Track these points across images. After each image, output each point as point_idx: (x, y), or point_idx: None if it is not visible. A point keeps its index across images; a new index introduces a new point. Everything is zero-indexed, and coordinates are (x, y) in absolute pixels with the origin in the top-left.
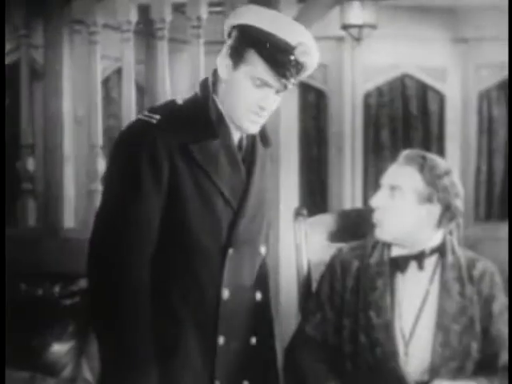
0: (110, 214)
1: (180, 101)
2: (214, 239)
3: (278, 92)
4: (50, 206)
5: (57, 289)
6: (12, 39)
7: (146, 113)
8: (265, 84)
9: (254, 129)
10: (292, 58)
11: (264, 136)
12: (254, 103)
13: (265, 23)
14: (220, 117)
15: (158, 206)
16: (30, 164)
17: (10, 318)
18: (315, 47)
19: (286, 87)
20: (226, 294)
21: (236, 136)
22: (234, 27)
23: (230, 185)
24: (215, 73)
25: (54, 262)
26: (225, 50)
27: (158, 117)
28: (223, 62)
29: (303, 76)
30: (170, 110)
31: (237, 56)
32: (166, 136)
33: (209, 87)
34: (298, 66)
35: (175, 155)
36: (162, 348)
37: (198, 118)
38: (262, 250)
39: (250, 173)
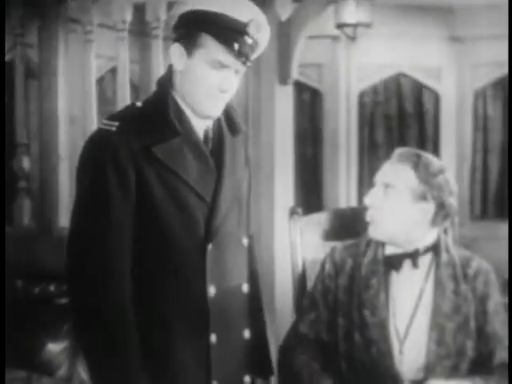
0: (81, 229)
1: (139, 103)
2: (191, 236)
3: (237, 72)
4: (46, 204)
5: (52, 288)
6: (7, 38)
7: (105, 121)
8: (223, 65)
9: (218, 112)
10: (245, 35)
11: (232, 124)
12: (215, 87)
13: (212, 5)
14: (180, 112)
15: (129, 213)
16: (26, 163)
17: (6, 317)
18: (266, 23)
19: (244, 66)
20: (212, 290)
21: (201, 129)
22: (181, 16)
23: (200, 179)
24: (170, 67)
25: (50, 260)
26: (176, 40)
27: (116, 123)
28: (176, 52)
29: (256, 54)
30: (129, 114)
31: (189, 43)
32: (127, 141)
33: (165, 83)
34: (253, 44)
35: (139, 159)
36: (151, 351)
37: (158, 118)
38: (245, 241)
39: (219, 164)
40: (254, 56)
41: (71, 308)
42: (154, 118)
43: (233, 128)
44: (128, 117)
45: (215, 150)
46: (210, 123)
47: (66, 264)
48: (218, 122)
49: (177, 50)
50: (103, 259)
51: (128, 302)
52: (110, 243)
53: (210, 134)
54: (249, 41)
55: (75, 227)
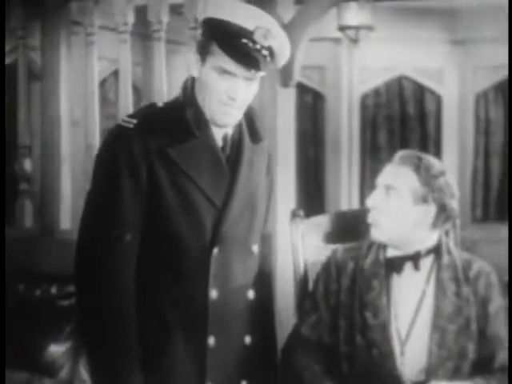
0: (92, 223)
1: (160, 104)
2: (198, 239)
3: (249, 80)
4: (47, 206)
5: (54, 290)
6: (9, 40)
7: (125, 118)
8: (228, 73)
9: (229, 121)
10: (254, 43)
11: (253, 131)
12: (223, 94)
13: (221, 13)
14: (199, 116)
15: (138, 209)
16: (27, 165)
17: (8, 319)
18: (278, 29)
19: (255, 74)
20: (213, 294)
21: (219, 133)
22: (200, 23)
23: (213, 184)
24: None
25: (51, 262)
26: (194, 47)
27: (135, 121)
28: (193, 59)
29: (280, 62)
30: (149, 113)
31: (203, 50)
32: (143, 140)
33: (188, 87)
34: (264, 51)
35: (153, 159)
36: (149, 351)
37: (176, 119)
38: (254, 248)
39: (234, 170)
40: (275, 64)
41: (76, 306)
42: (172, 119)
43: (254, 135)
44: (147, 116)
45: (232, 156)
46: (229, 129)
47: (75, 260)
48: (239, 129)
49: (193, 57)
50: (111, 256)
51: (132, 302)
52: (118, 240)
53: (229, 140)
54: (258, 49)
55: (84, 222)
